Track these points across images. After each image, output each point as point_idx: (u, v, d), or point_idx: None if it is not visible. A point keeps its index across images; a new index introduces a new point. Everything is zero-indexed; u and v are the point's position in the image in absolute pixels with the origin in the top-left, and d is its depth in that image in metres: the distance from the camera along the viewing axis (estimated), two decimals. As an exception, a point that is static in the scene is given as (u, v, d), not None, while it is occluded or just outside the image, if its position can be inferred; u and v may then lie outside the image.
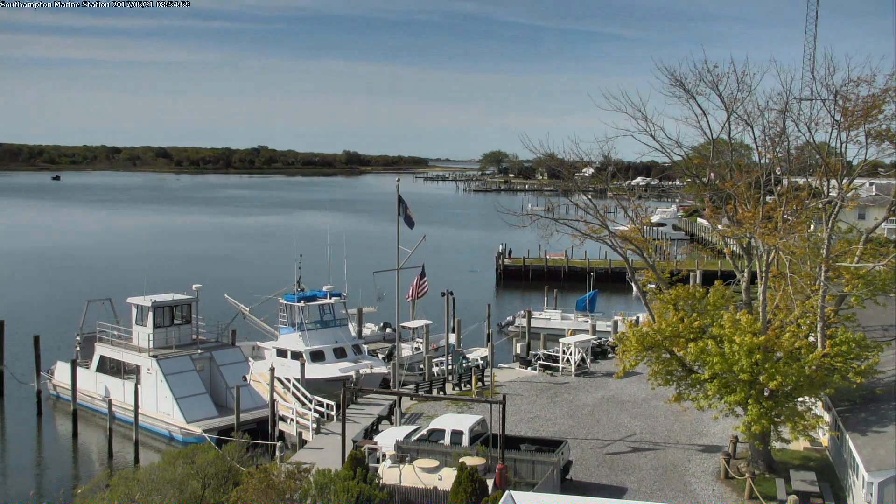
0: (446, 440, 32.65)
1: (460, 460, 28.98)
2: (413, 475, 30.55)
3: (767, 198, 33.22)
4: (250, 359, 51.90)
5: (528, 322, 63.24)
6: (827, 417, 35.01)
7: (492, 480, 28.92)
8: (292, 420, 42.23)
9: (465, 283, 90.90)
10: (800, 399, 31.56)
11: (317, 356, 50.89)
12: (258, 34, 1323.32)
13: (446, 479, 29.57)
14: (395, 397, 40.92)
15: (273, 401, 42.71)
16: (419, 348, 56.37)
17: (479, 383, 46.91)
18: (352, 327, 57.71)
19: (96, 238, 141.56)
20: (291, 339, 52.15)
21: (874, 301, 33.95)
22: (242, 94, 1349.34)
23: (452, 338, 56.05)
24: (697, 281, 72.89)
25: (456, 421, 34.07)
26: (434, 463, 30.79)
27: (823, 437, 35.74)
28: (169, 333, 48.51)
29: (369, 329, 64.20)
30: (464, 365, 49.28)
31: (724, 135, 33.76)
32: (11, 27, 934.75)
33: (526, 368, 51.85)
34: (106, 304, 53.25)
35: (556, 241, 38.38)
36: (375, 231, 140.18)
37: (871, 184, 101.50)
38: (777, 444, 33.64)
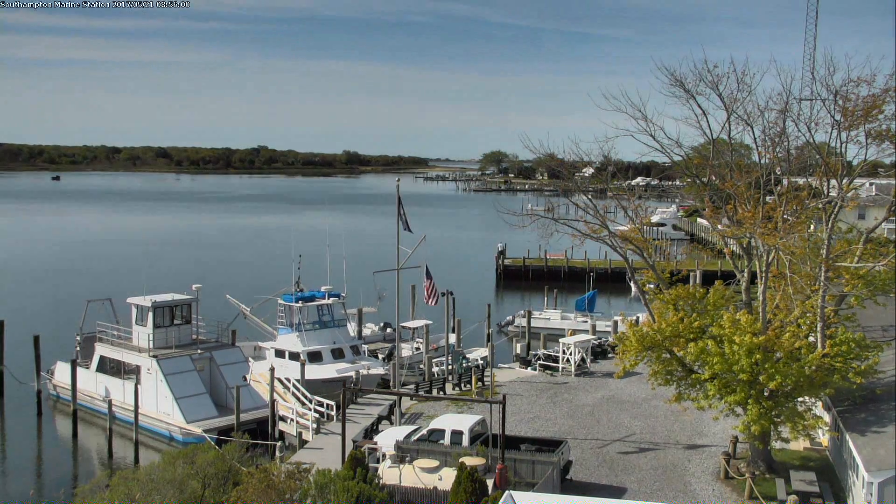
0: (446, 440, 32.65)
1: (460, 460, 28.98)
2: (413, 475, 30.55)
3: (767, 198, 33.21)
4: (251, 359, 51.90)
5: (528, 322, 63.25)
6: (827, 417, 35.02)
7: (492, 480, 28.93)
8: (292, 420, 42.24)
9: (465, 283, 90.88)
10: (800, 399, 31.56)
11: (314, 357, 50.86)
12: (258, 34, 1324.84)
13: (446, 479, 29.57)
14: (395, 397, 40.92)
15: (273, 401, 42.71)
16: (419, 348, 56.37)
17: (479, 383, 46.91)
18: (351, 327, 57.70)
19: (96, 238, 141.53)
20: (289, 340, 52.14)
21: (874, 301, 33.93)
22: (242, 94, 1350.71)
23: (452, 338, 56.06)
24: (697, 281, 72.90)
25: (456, 421, 34.07)
26: (434, 463, 30.79)
27: (823, 437, 35.74)
28: (169, 333, 48.51)
29: (370, 329, 64.21)
30: (464, 365, 49.29)
31: (724, 135, 33.76)
32: (12, 28, 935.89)
33: (526, 368, 51.85)
34: (106, 305, 53.24)
35: (556, 241, 38.39)
36: (376, 231, 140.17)
37: (871, 184, 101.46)
38: (777, 444, 33.65)
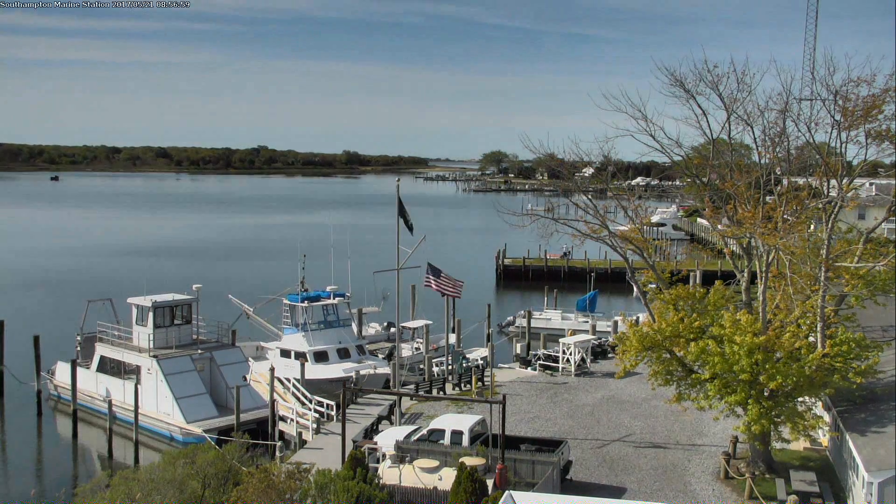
0: (446, 440, 32.65)
1: (460, 460, 28.98)
2: (413, 475, 30.56)
3: (767, 198, 33.22)
4: (251, 359, 51.91)
5: (528, 322, 63.25)
6: (827, 417, 35.02)
7: (492, 480, 28.93)
8: (292, 420, 42.24)
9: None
10: (800, 399, 31.56)
11: (320, 356, 50.92)
12: (258, 35, 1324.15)
13: (446, 479, 29.58)
14: (395, 397, 40.93)
15: (273, 401, 42.72)
16: (419, 348, 56.39)
17: (479, 383, 46.92)
18: (354, 327, 57.73)
19: (96, 238, 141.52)
20: (295, 340, 52.17)
21: (874, 301, 33.95)
22: (242, 94, 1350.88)
23: (452, 338, 56.05)
24: (697, 281, 72.90)
25: (456, 421, 34.07)
26: (434, 463, 30.80)
27: (823, 437, 35.74)
28: (169, 333, 48.51)
29: (373, 329, 64.26)
30: (464, 365, 49.29)
31: (724, 135, 33.77)
32: (12, 29, 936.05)
33: (526, 368, 51.86)
34: (106, 305, 53.25)
35: (556, 242, 38.39)
36: (377, 231, 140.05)
37: (871, 184, 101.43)
38: (777, 445, 33.65)
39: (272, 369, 44.32)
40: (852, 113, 30.01)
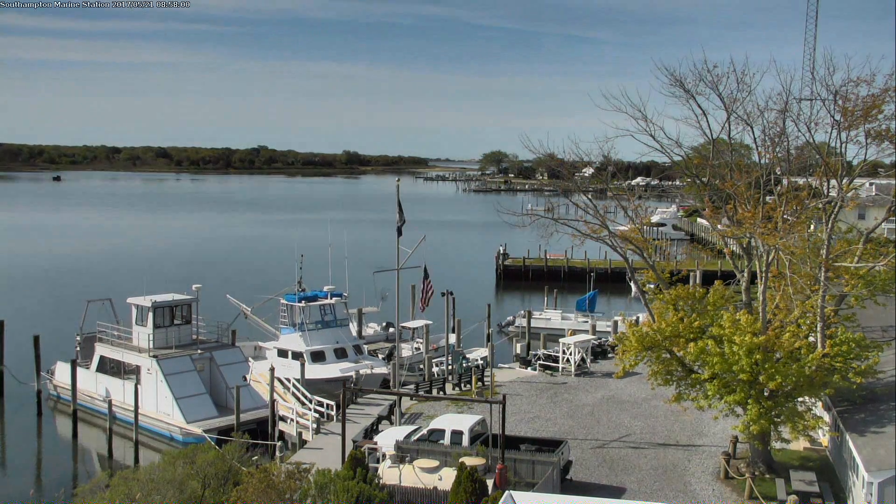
0: (446, 440, 32.65)
1: (460, 460, 28.98)
2: (413, 475, 30.55)
3: (767, 198, 33.21)
4: (251, 359, 51.90)
5: (528, 322, 63.24)
6: (827, 417, 35.01)
7: (492, 480, 28.93)
8: (292, 420, 42.23)
9: (465, 283, 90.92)
10: (800, 399, 31.55)
11: (317, 356, 50.91)
12: (258, 36, 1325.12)
13: (446, 479, 29.58)
14: (395, 397, 40.92)
15: (273, 401, 42.71)
16: (419, 348, 56.38)
17: (479, 383, 46.92)
18: (352, 327, 57.70)
19: (96, 238, 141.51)
20: (292, 340, 52.17)
21: (874, 301, 33.96)
22: (242, 94, 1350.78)
23: (452, 338, 56.07)
24: (697, 281, 72.88)
25: (456, 421, 34.07)
26: (434, 463, 30.79)
27: (823, 437, 35.73)
28: (169, 333, 48.51)
29: (372, 329, 64.26)
30: (464, 365, 49.28)
31: (724, 135, 33.77)
32: (12, 29, 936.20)
33: (526, 368, 51.86)
34: (106, 305, 53.24)
35: (556, 242, 38.39)
36: (377, 231, 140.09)
37: (871, 184, 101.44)
38: (777, 444, 33.64)
39: (272, 369, 44.31)
40: (852, 113, 30.01)
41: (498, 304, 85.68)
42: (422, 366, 52.36)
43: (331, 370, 49.67)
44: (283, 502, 25.06)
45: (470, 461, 29.05)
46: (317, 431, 40.62)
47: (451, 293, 60.14)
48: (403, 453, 31.62)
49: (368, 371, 49.17)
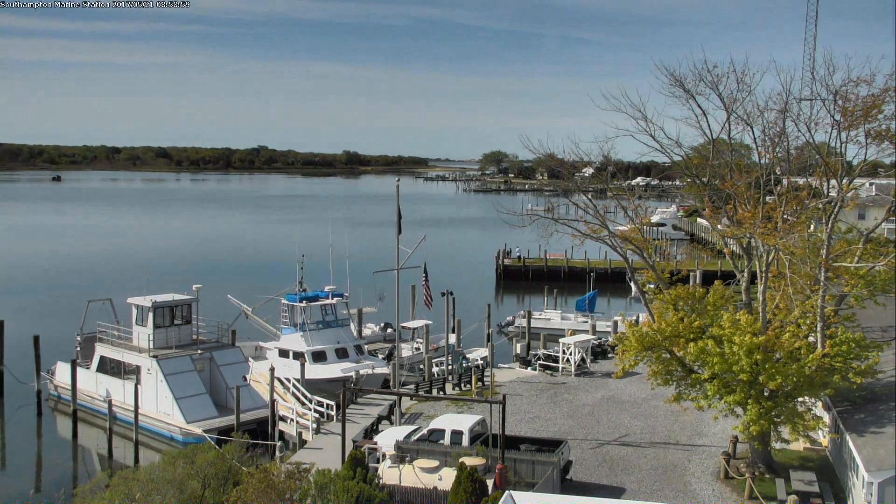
0: (446, 440, 32.66)
1: (460, 460, 28.98)
2: (413, 475, 30.55)
3: (767, 198, 33.22)
4: (251, 359, 51.90)
5: (528, 322, 63.24)
6: (827, 417, 35.02)
7: (492, 480, 28.93)
8: (292, 420, 42.23)
9: (465, 283, 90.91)
10: (800, 399, 31.56)
11: (319, 356, 50.91)
12: (257, 36, 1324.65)
13: (446, 479, 29.58)
14: (395, 397, 40.92)
15: (273, 401, 42.71)
16: (419, 348, 56.38)
17: (479, 383, 46.92)
18: (352, 327, 57.70)
19: (97, 238, 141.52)
20: (293, 340, 52.16)
21: (874, 301, 33.96)
22: (242, 95, 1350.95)
23: (452, 338, 56.07)
24: (697, 281, 72.88)
25: (456, 421, 34.08)
26: (434, 463, 30.79)
27: (823, 437, 35.73)
28: (169, 334, 48.49)
29: (370, 329, 64.24)
30: (464, 365, 49.29)
31: (724, 135, 33.78)
32: (13, 30, 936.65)
33: (526, 368, 51.86)
34: (106, 305, 53.23)
35: (556, 242, 38.40)
36: (377, 231, 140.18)
37: (871, 184, 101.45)
38: (777, 445, 33.63)
39: (272, 369, 44.31)
40: (852, 113, 30.02)
41: (498, 304, 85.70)
42: (422, 366, 52.37)
43: (332, 370, 49.67)
44: (283, 502, 25.06)
45: (470, 461, 29.05)
46: (317, 431, 40.63)
47: (451, 293, 60.15)
48: (403, 453, 31.62)
49: (370, 371, 49.18)
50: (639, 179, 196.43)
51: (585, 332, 58.61)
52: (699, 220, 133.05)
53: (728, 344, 30.26)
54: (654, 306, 34.67)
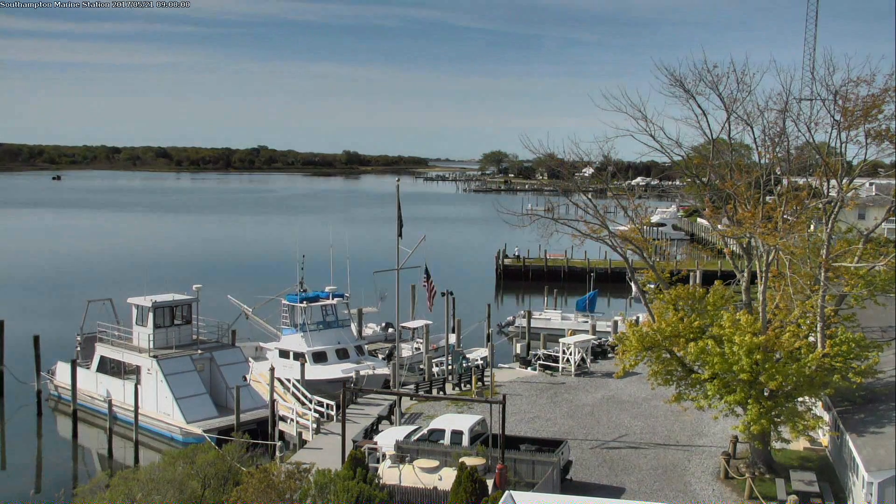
0: (446, 440, 32.65)
1: (460, 460, 28.98)
2: (413, 475, 30.56)
3: (767, 198, 33.21)
4: (251, 359, 51.88)
5: (528, 322, 63.24)
6: (827, 417, 35.01)
7: (492, 480, 28.93)
8: (292, 420, 42.23)
9: (465, 283, 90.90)
10: (800, 399, 31.56)
11: (319, 357, 50.88)
12: (257, 37, 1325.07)
13: (446, 479, 29.58)
14: (395, 397, 40.92)
15: (273, 401, 42.71)
16: (419, 348, 56.37)
17: (479, 383, 46.92)
18: (353, 327, 57.69)
19: (97, 238, 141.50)
20: (294, 340, 52.14)
21: (874, 301, 33.95)
22: (242, 95, 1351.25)
23: (452, 338, 56.06)
24: (697, 281, 72.88)
25: (456, 421, 34.07)
26: (434, 463, 30.79)
27: (823, 437, 35.73)
28: (169, 334, 48.50)
29: (371, 329, 64.23)
30: (464, 365, 49.29)
31: (724, 135, 33.77)
32: (13, 31, 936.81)
33: (526, 368, 51.86)
34: (106, 305, 53.22)
35: (556, 242, 38.39)
36: (377, 231, 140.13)
37: (871, 184, 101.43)
38: (777, 444, 33.64)
39: (272, 369, 44.30)
40: (852, 113, 30.02)
41: (498, 304, 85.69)
42: (422, 366, 52.35)
43: (333, 371, 49.65)
44: (283, 502, 25.06)
45: (470, 461, 29.05)
46: (317, 431, 40.63)
47: (451, 293, 60.14)
48: (403, 453, 31.62)
49: (370, 372, 49.15)
50: (639, 179, 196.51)
51: (585, 332, 58.60)
52: (699, 220, 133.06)
53: (728, 344, 30.26)
54: (654, 306, 34.67)
